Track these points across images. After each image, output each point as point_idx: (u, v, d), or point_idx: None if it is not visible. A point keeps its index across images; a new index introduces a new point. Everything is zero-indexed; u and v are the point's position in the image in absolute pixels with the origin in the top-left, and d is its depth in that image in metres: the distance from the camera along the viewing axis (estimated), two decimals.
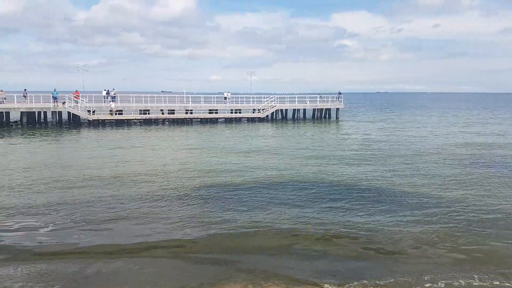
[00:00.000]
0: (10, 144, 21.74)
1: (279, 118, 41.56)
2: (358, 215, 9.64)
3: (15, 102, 32.37)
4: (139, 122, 34.15)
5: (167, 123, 34.98)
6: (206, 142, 23.29)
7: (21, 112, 31.97)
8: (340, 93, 43.89)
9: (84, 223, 8.99)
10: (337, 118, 42.14)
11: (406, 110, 64.58)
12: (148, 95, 37.86)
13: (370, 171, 14.87)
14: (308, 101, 43.11)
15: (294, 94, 52.97)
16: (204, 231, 8.53)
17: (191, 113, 36.91)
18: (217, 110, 38.29)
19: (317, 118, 41.86)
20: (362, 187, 12.38)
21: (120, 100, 36.45)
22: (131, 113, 34.91)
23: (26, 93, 33.94)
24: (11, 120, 32.99)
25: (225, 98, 41.94)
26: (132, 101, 36.46)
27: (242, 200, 10.81)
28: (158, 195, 11.23)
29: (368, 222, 9.11)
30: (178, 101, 38.42)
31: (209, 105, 38.65)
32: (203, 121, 36.13)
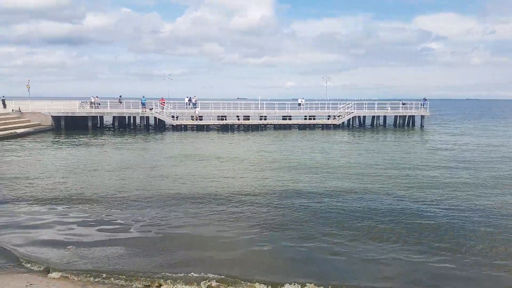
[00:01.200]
0: (103, 145, 24.07)
1: (356, 125, 39.96)
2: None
3: (108, 107, 36.02)
4: (217, 127, 35.48)
5: (242, 128, 35.82)
6: (278, 146, 23.43)
7: (113, 117, 35.35)
8: (426, 100, 40.75)
9: (165, 221, 9.41)
10: (422, 126, 39.15)
11: (504, 119, 56.94)
12: (226, 102, 39.32)
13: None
14: (389, 108, 40.83)
15: (372, 100, 50.57)
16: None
17: (265, 119, 37.31)
18: (290, 116, 38.17)
19: (399, 126, 39.36)
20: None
21: (200, 107, 38.37)
22: (210, 119, 36.48)
23: (121, 99, 37.51)
24: (104, 124, 36.75)
25: (299, 104, 41.65)
26: (211, 107, 38.22)
27: (323, 211, 10.41)
28: (234, 197, 11.36)
29: None
30: (253, 107, 39.21)
31: (282, 112, 38.72)
32: (277, 127, 36.25)
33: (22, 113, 32.64)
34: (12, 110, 33.45)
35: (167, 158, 19.06)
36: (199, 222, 9.37)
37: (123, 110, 35.89)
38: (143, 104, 35.82)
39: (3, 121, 29.23)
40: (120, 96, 38.35)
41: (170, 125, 35.14)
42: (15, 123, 29.90)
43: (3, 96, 39.69)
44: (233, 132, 33.95)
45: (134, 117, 37.09)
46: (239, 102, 43.41)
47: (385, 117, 40.95)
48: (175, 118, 35.44)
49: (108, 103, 36.21)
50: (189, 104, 39.69)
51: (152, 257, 7.38)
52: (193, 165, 16.98)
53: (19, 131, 27.96)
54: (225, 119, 36.43)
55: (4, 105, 36.92)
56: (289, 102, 42.17)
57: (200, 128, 34.79)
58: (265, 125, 36.66)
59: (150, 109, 35.51)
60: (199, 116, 36.05)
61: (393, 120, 40.88)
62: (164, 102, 36.72)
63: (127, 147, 23.41)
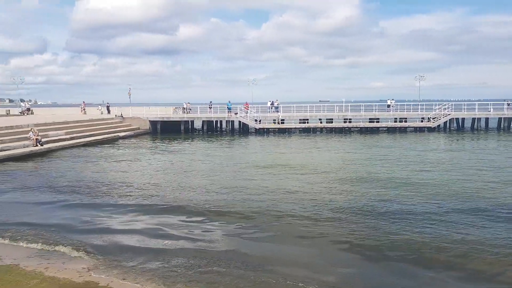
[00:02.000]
0: (193, 147, 25.49)
1: (454, 128, 36.26)
2: None
3: (198, 112, 38.17)
4: (299, 130, 35.20)
5: (325, 131, 34.96)
6: (365, 153, 21.78)
7: (203, 121, 37.32)
8: None
9: (252, 223, 9.42)
10: None
11: None
12: (308, 104, 38.86)
13: None
14: (492, 109, 36.29)
15: (472, 100, 45.45)
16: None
17: (350, 122, 35.92)
18: (378, 119, 36.16)
19: (504, 129, 34.69)
20: None
21: (282, 110, 38.52)
22: (291, 122, 36.36)
23: (211, 105, 39.57)
24: (195, 127, 39.03)
25: (388, 106, 39.26)
26: (293, 110, 38.13)
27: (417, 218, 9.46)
28: (315, 202, 10.94)
29: None
30: (336, 110, 38.07)
31: (369, 114, 36.88)
32: (363, 131, 34.61)
33: (123, 118, 36.28)
34: (115, 115, 37.44)
35: (250, 162, 19.33)
36: (283, 240, 8.47)
37: (211, 115, 37.68)
38: (229, 108, 37.20)
39: (108, 125, 32.81)
40: (211, 102, 40.41)
41: (253, 128, 35.88)
42: (118, 127, 33.34)
43: (108, 103, 44.71)
44: (315, 134, 33.34)
45: (221, 121, 38.66)
46: (321, 104, 42.57)
47: (487, 119, 36.50)
48: (258, 122, 36.05)
49: (198, 109, 38.43)
50: (271, 108, 40.13)
51: (233, 270, 7.00)
52: (274, 171, 16.58)
53: (121, 134, 31.06)
54: (307, 122, 35.96)
55: (109, 111, 41.51)
56: (377, 103, 40.04)
57: (282, 131, 34.86)
58: (350, 128, 35.28)
59: (235, 114, 36.70)
60: (281, 120, 36.18)
61: (496, 123, 36.23)
62: (248, 107, 37.66)
63: (214, 149, 24.43)
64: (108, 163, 18.78)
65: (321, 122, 36.20)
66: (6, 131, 22.82)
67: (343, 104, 38.45)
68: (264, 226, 9.20)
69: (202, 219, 9.72)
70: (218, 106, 39.69)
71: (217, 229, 9.03)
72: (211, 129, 38.00)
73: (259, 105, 39.81)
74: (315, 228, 8.96)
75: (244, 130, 36.89)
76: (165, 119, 36.63)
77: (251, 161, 19.16)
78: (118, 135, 30.39)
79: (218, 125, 39.37)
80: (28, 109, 43.46)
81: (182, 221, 9.62)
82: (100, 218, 9.89)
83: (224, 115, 37.05)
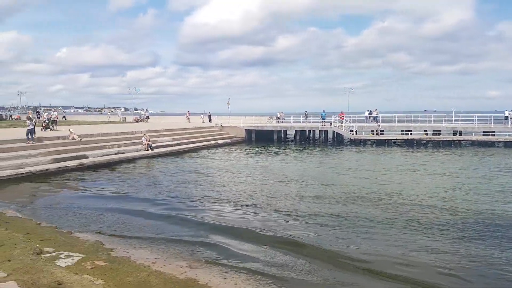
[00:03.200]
0: (285, 156, 25.68)
1: None
2: None
3: (291, 122, 38.48)
4: (400, 142, 32.91)
5: (430, 144, 32.02)
6: (486, 173, 18.38)
7: (295, 130, 37.47)
8: None
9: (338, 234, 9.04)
10: None
11: None
12: (411, 115, 36.15)
13: None
14: None
15: None
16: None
17: (460, 134, 32.34)
18: (494, 131, 31.88)
19: None
20: None
21: (381, 120, 36.53)
22: (392, 133, 34.23)
23: (306, 114, 39.70)
24: (287, 137, 39.41)
25: (506, 117, 34.47)
26: (394, 121, 35.84)
27: None
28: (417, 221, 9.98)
29: None
30: (445, 121, 34.64)
31: (483, 126, 32.71)
32: (475, 144, 30.81)
33: (222, 126, 38.44)
34: (215, 124, 39.91)
35: (343, 172, 18.67)
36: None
37: (304, 124, 37.65)
38: (323, 118, 36.69)
39: (209, 133, 35.08)
40: (306, 111, 40.58)
41: (348, 139, 34.72)
42: (217, 135, 35.44)
43: (210, 112, 47.89)
44: (419, 148, 30.74)
45: (314, 131, 38.33)
46: (427, 114, 39.23)
47: None
48: (354, 132, 34.77)
49: (292, 118, 38.78)
50: (369, 118, 38.40)
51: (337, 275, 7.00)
52: (369, 185, 15.82)
53: (220, 141, 32.92)
54: (410, 134, 33.42)
55: (210, 120, 44.42)
56: (492, 114, 35.41)
57: (381, 143, 32.97)
58: (460, 141, 31.73)
59: (330, 124, 36.02)
60: (380, 130, 34.30)
61: None
62: (343, 116, 36.64)
63: (306, 159, 24.24)
64: (208, 168, 19.98)
65: (426, 134, 33.30)
66: (122, 136, 25.92)
67: (453, 115, 34.84)
68: None
69: (295, 225, 9.65)
70: (312, 115, 39.54)
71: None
72: (304, 139, 37.88)
73: (356, 115, 38.44)
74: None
75: (338, 140, 35.93)
76: (259, 128, 37.73)
77: (343, 181, 18.46)
78: (217, 142, 32.27)
79: (311, 135, 39.07)
80: (147, 117, 49.41)
81: (277, 225, 9.67)
82: (199, 218, 10.50)
83: (317, 125, 36.64)
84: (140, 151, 23.85)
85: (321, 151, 29.21)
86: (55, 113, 28.70)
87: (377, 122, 36.08)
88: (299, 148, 30.94)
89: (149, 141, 24.54)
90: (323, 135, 37.14)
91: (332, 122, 35.99)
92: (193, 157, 24.45)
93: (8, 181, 15.11)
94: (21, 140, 19.32)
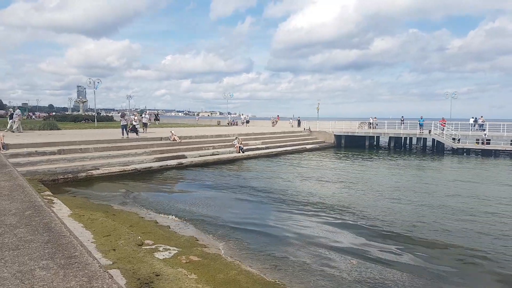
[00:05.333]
0: (378, 164, 24.27)
1: None
2: None
3: (385, 128, 36.32)
4: (509, 153, 28.73)
5: None
6: None
7: (390, 137, 35.26)
8: None
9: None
10: None
11: None
12: None
13: None
14: None
15: None
16: None
17: None
18: None
19: None
20: None
21: (488, 128, 32.41)
22: (500, 143, 30.13)
23: (402, 120, 37.29)
24: (380, 144, 37.29)
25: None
26: (503, 130, 31.54)
27: None
28: None
29: None
30: None
31: None
32: None
33: (311, 131, 38.04)
34: (304, 129, 39.67)
35: (445, 185, 16.87)
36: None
37: (400, 131, 35.25)
38: (420, 125, 33.96)
39: (297, 138, 35.02)
40: (402, 117, 38.07)
41: (450, 148, 31.47)
42: (305, 139, 35.18)
43: (299, 117, 47.83)
44: None
45: (411, 138, 35.65)
46: None
47: None
48: (457, 141, 31.39)
49: (386, 124, 36.61)
50: (474, 126, 34.44)
51: None
52: (476, 203, 13.86)
53: (308, 146, 32.60)
54: None
55: (299, 125, 44.35)
56: None
57: (487, 153, 29.19)
58: None
59: (428, 131, 33.15)
60: (486, 140, 30.41)
61: None
62: (444, 123, 33.40)
63: (401, 168, 22.55)
64: (295, 172, 19.88)
65: None
66: (216, 138, 27.31)
67: None
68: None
69: (383, 240, 8.96)
70: (408, 121, 36.88)
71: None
72: (399, 146, 35.43)
73: (459, 122, 34.75)
74: None
75: (438, 149, 32.83)
76: (349, 134, 36.41)
77: (447, 198, 16.69)
78: (305, 147, 32.02)
79: (407, 142, 36.37)
80: (247, 121, 50.67)
81: (358, 236, 9.11)
82: (282, 221, 10.43)
83: (415, 132, 33.99)
84: (232, 153, 24.83)
85: (419, 160, 26.94)
86: (147, 116, 31.24)
87: (483, 130, 32.08)
88: (394, 156, 28.99)
89: (240, 143, 25.41)
90: (421, 143, 34.31)
91: (432, 129, 33.02)
92: (281, 160, 24.62)
93: (116, 177, 16.93)
94: (128, 140, 21.61)
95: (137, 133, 23.20)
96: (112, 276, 1.36)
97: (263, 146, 28.59)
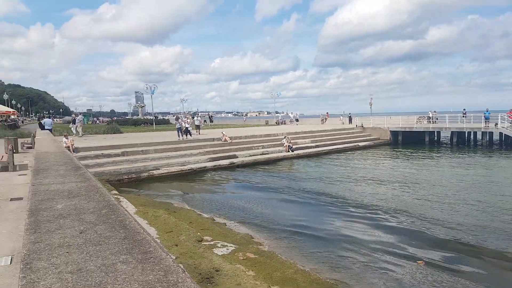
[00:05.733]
0: (440, 162, 22.90)
1: None
2: None
3: (446, 122, 34.08)
4: None
5: None
6: None
7: (452, 132, 33.09)
8: None
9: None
10: None
11: None
12: None
13: None
14: None
15: None
16: None
17: None
18: None
19: None
20: None
21: None
22: None
23: (465, 113, 34.93)
24: (441, 139, 35.13)
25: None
26: None
27: None
28: None
29: None
30: None
31: None
32: None
33: (363, 128, 36.86)
34: (356, 125, 38.54)
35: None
36: None
37: (463, 125, 32.96)
38: (486, 118, 31.45)
39: (349, 135, 34.12)
40: (464, 110, 35.67)
41: None
42: (357, 137, 34.16)
43: (350, 113, 46.57)
44: None
45: (475, 133, 33.21)
46: None
47: None
48: None
49: (447, 118, 34.38)
50: None
51: None
52: None
53: (360, 144, 31.64)
54: None
55: (350, 121, 43.17)
56: None
57: None
58: None
59: (495, 125, 30.61)
60: None
61: None
62: None
63: (467, 166, 21.06)
64: (347, 171, 19.40)
65: None
66: (265, 138, 27.47)
67: None
68: None
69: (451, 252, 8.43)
70: (471, 115, 34.40)
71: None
72: (462, 142, 33.14)
73: None
74: None
75: (506, 144, 30.20)
76: (407, 129, 34.73)
77: None
78: (358, 145, 31.12)
79: (471, 137, 33.91)
80: (297, 120, 50.19)
81: (422, 243, 8.66)
82: (334, 223, 10.23)
83: (479, 126, 31.57)
84: (281, 152, 24.85)
85: (485, 157, 24.98)
86: (199, 118, 32.35)
87: None
88: (457, 153, 27.17)
89: (289, 142, 25.34)
90: (487, 138, 31.79)
91: (499, 122, 30.45)
92: (332, 159, 24.15)
93: (175, 176, 17.71)
94: (186, 141, 22.48)
95: (190, 135, 24.08)
96: (185, 271, 1.44)
97: (313, 144, 28.25)
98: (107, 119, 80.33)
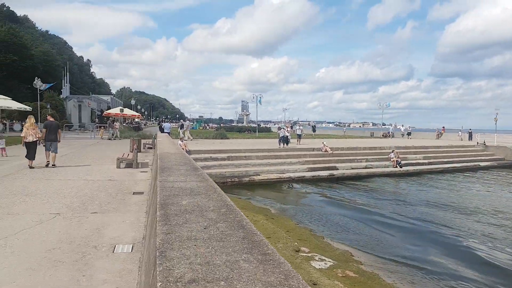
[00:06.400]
0: None
1: None
2: None
3: None
4: None
5: None
6: None
7: None
8: None
9: None
10: None
11: None
12: None
13: None
14: None
15: None
16: None
17: None
18: None
19: None
20: None
21: None
22: None
23: None
24: None
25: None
26: None
27: None
28: None
29: None
30: None
31: None
32: None
33: (486, 146, 32.50)
34: (477, 143, 34.16)
35: None
36: None
37: None
38: None
39: (469, 153, 30.41)
40: None
41: None
42: (478, 155, 30.24)
43: (470, 129, 41.57)
44: None
45: None
46: None
47: None
48: None
49: None
50: None
51: None
52: None
53: (482, 164, 27.95)
54: None
55: (470, 137, 38.49)
56: None
57: None
58: None
59: None
60: None
61: None
62: None
63: None
64: (465, 193, 17.29)
65: None
66: (370, 151, 26.16)
67: None
68: None
69: None
70: None
71: None
72: None
73: None
74: None
75: None
76: None
77: None
78: (478, 164, 27.56)
79: None
80: (409, 133, 46.07)
81: None
82: (447, 254, 9.14)
83: None
84: (387, 167, 23.40)
85: None
86: (301, 128, 32.30)
87: None
88: None
89: (398, 157, 23.73)
90: None
91: None
92: (447, 180, 21.80)
93: (274, 183, 18.06)
94: (286, 150, 22.81)
95: (287, 143, 24.28)
96: (302, 279, 1.45)
97: (425, 161, 25.91)
98: (215, 125, 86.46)
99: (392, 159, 23.70)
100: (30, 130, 12.40)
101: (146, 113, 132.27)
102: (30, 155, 12.21)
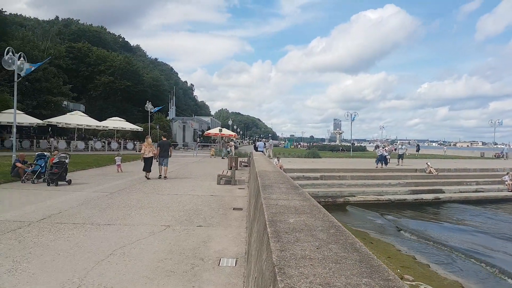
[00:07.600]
0: None
1: None
2: None
3: None
4: None
5: None
6: None
7: None
8: None
9: None
10: None
11: None
12: None
13: None
14: None
15: None
16: None
17: None
18: None
19: None
20: None
21: None
22: None
23: None
24: None
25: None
26: None
27: None
28: None
29: None
30: None
31: None
32: None
33: None
34: None
35: None
36: None
37: None
38: None
39: None
40: None
41: None
42: None
43: None
44: None
45: None
46: None
47: None
48: None
49: None
50: None
51: None
52: None
53: None
54: None
55: None
56: None
57: None
58: None
59: None
60: None
61: None
62: None
63: None
64: None
65: None
66: (480, 173, 23.30)
67: None
68: None
69: None
70: None
71: None
72: None
73: None
74: None
75: None
76: None
77: None
78: None
79: None
80: None
81: None
82: None
83: None
84: (502, 191, 20.55)
85: None
86: (403, 147, 29.65)
87: None
88: None
89: None
90: None
91: None
92: None
93: (371, 205, 17.13)
94: (384, 170, 21.58)
95: (386, 164, 22.95)
96: None
97: None
98: (306, 144, 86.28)
99: (507, 182, 20.75)
100: (148, 148, 14.37)
101: (241, 132, 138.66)
102: (147, 168, 14.17)
